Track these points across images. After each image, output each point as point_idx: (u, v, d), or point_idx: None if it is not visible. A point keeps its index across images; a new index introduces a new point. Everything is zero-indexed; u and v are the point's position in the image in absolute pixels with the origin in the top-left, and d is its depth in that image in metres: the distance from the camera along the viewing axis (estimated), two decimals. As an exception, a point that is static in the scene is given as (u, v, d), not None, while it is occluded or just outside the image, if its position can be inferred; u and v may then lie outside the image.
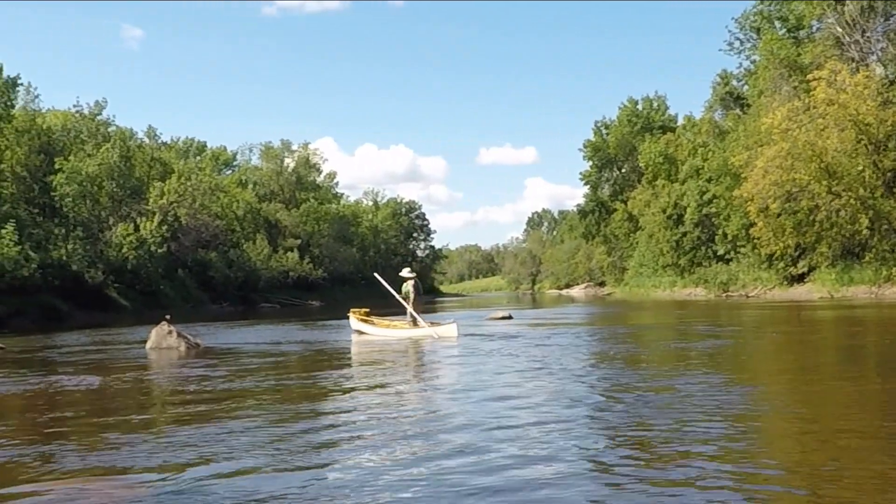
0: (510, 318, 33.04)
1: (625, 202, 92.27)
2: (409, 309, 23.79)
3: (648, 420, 8.59)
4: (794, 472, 6.41)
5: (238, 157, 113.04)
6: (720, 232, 65.50)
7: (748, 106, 64.93)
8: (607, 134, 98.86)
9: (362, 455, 7.33)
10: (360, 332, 24.27)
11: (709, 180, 67.65)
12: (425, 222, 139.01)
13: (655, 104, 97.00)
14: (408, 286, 23.96)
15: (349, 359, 18.24)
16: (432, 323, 23.82)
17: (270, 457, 7.34)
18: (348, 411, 10.02)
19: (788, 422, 8.65)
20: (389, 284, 25.14)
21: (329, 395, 11.78)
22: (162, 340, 20.42)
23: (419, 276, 26.35)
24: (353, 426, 8.87)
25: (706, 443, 7.33)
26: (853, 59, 51.77)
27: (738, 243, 61.93)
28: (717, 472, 6.33)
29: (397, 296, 24.23)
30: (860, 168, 45.84)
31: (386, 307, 28.12)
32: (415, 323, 23.58)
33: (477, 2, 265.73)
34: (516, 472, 6.56)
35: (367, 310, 25.27)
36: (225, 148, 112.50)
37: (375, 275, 25.29)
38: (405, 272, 24.62)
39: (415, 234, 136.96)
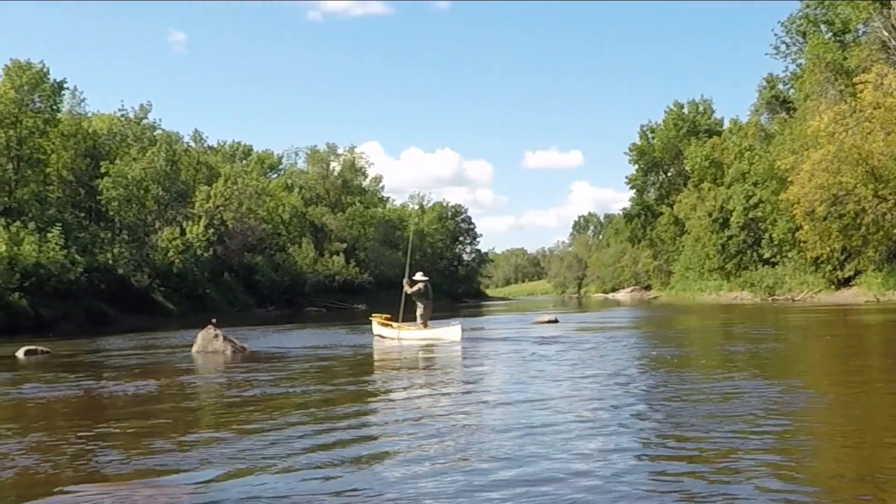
0: (556, 321, 32.86)
1: (671, 206, 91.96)
2: (419, 311, 24.25)
3: (693, 425, 8.49)
4: (835, 489, 6.17)
5: (284, 160, 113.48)
6: (766, 236, 65.19)
7: (794, 109, 64.69)
8: (653, 138, 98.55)
9: (404, 462, 7.24)
10: (381, 337, 24.54)
11: (755, 184, 67.28)
12: (471, 226, 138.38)
13: (701, 108, 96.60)
14: (417, 290, 24.24)
15: (391, 363, 18.09)
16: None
17: (314, 462, 7.26)
18: (391, 417, 9.95)
19: (835, 432, 8.33)
20: (430, 288, 25.24)
21: (373, 400, 11.67)
22: (208, 344, 20.36)
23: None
24: (395, 431, 8.81)
25: (751, 453, 7.17)
26: (900, 62, 51.42)
27: (784, 247, 61.70)
28: (759, 481, 6.21)
29: (411, 293, 24.52)
30: (906, 171, 45.46)
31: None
32: (425, 325, 24.04)
33: (522, 4, 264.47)
34: (559, 477, 6.49)
35: (388, 315, 25.53)
36: (271, 152, 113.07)
37: (404, 281, 24.81)
38: (418, 276, 24.83)
39: (461, 238, 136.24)
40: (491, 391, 12.09)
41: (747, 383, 11.55)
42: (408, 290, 24.43)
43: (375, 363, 18.46)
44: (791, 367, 15.01)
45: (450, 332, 22.57)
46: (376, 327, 25.26)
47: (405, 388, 12.87)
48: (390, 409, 10.62)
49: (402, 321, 24.61)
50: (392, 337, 23.87)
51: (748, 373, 12.98)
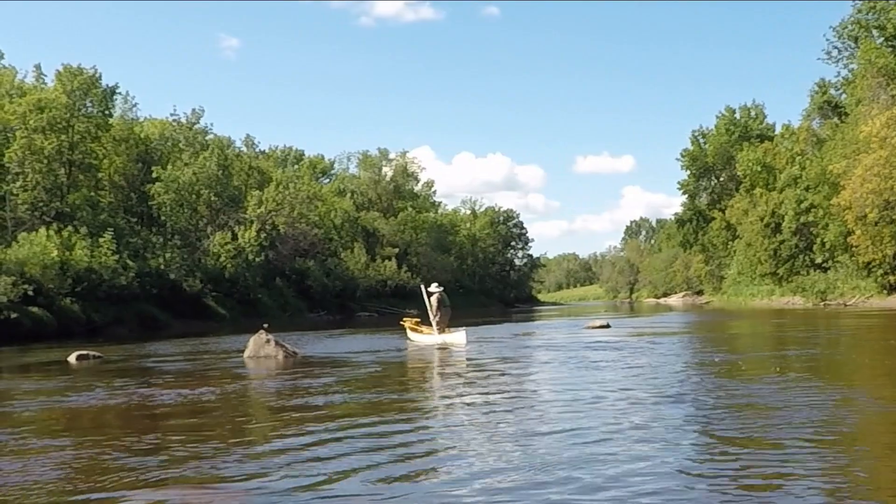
0: (608, 326, 32.86)
1: (722, 211, 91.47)
2: (431, 317, 25.71)
3: (747, 435, 8.42)
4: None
5: (336, 165, 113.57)
6: (818, 241, 65.13)
7: (846, 114, 64.43)
8: (705, 143, 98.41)
9: (458, 468, 7.21)
10: (410, 340, 26.36)
11: (807, 189, 67.02)
12: (523, 231, 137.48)
13: (753, 113, 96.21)
14: (433, 299, 25.71)
15: (444, 367, 18.19)
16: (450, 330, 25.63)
17: (369, 469, 7.26)
18: (444, 423, 9.93)
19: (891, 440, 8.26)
20: (446, 297, 26.60)
21: (425, 406, 11.70)
22: (260, 349, 20.42)
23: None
24: (448, 437, 8.79)
25: (804, 462, 7.13)
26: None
27: (836, 252, 61.66)
28: (809, 488, 6.24)
29: (427, 304, 26.09)
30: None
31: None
32: (441, 330, 25.36)
33: (572, 8, 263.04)
34: (612, 484, 6.51)
35: (418, 320, 27.32)
36: (322, 156, 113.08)
37: (422, 286, 27.10)
38: (433, 287, 26.25)
39: (512, 243, 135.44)
40: (545, 397, 12.00)
41: (804, 390, 11.47)
42: (427, 300, 26.03)
43: (424, 368, 18.46)
44: (847, 374, 14.84)
45: (457, 337, 24.20)
46: (408, 331, 27.10)
47: (459, 395, 12.67)
48: (445, 415, 10.63)
49: (437, 325, 25.74)
50: (417, 340, 25.80)
51: (804, 379, 12.91)
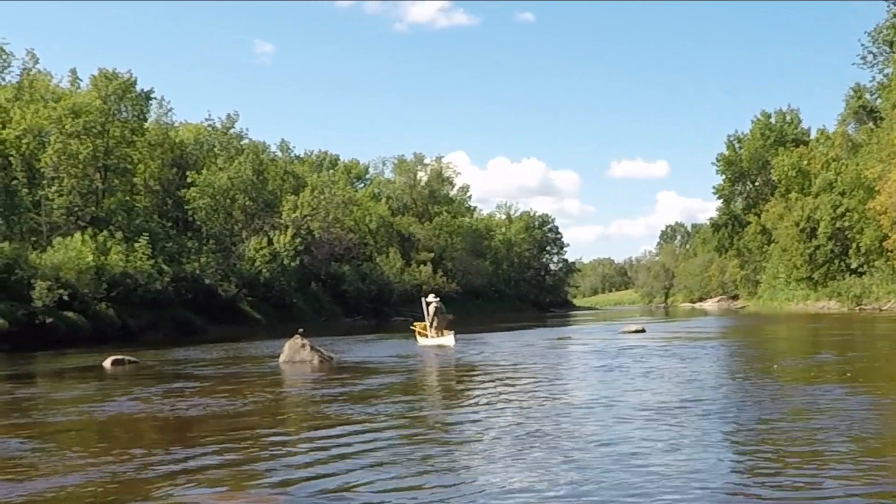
0: (643, 331, 32.78)
1: (758, 215, 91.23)
2: (427, 323, 28.65)
3: (785, 440, 8.33)
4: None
5: (371, 170, 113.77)
6: (853, 245, 64.89)
7: (881, 119, 63.88)
8: (740, 147, 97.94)
9: (490, 481, 7.07)
10: (417, 342, 28.67)
11: (842, 194, 66.79)
12: (558, 236, 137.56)
13: (788, 118, 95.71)
14: (431, 308, 28.76)
15: (478, 373, 17.89)
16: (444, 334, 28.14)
17: (408, 476, 7.20)
18: (476, 431, 9.70)
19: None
20: (442, 305, 29.71)
21: (458, 414, 11.43)
22: (295, 354, 20.40)
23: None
24: (481, 447, 8.64)
25: (840, 461, 7.16)
26: None
27: (872, 256, 61.50)
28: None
29: (425, 312, 29.22)
30: None
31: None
32: (437, 335, 28.07)
33: (606, 14, 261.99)
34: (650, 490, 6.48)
35: (426, 324, 29.13)
36: (357, 161, 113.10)
37: (421, 298, 30.97)
38: (431, 297, 29.70)
39: (548, 248, 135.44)
40: (579, 404, 11.69)
41: (844, 395, 11.30)
42: (424, 308, 29.32)
43: (455, 374, 18.34)
44: (888, 380, 14.57)
45: (448, 340, 26.95)
46: (416, 335, 29.50)
47: (492, 403, 12.34)
48: (478, 423, 10.36)
49: (435, 331, 28.61)
50: (421, 343, 28.32)
51: (843, 384, 12.71)
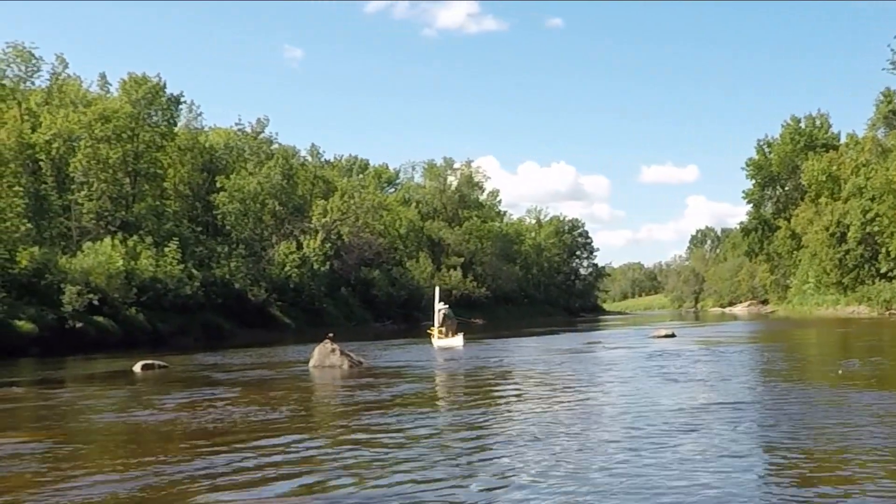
0: (673, 336, 33.09)
1: (788, 220, 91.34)
2: (436, 327, 32.02)
3: (811, 442, 8.44)
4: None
5: (401, 174, 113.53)
6: (883, 250, 65.16)
7: None
8: (770, 152, 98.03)
9: (519, 488, 7.04)
10: (432, 344, 31.09)
11: (872, 199, 66.70)
12: (588, 240, 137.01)
13: (818, 122, 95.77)
14: (440, 314, 32.41)
15: (506, 378, 18.05)
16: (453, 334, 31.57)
17: (440, 484, 7.16)
18: (507, 437, 9.67)
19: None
20: (451, 311, 33.54)
21: (487, 419, 11.34)
22: (325, 359, 20.58)
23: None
24: (511, 454, 8.57)
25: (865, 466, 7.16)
26: None
27: None
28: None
29: (435, 317, 32.65)
30: None
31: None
32: (447, 337, 31.50)
33: (636, 19, 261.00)
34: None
35: (442, 329, 31.97)
36: (387, 166, 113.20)
37: (435, 306, 33.39)
38: (441, 305, 32.92)
39: (578, 253, 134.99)
40: (609, 411, 11.75)
41: (875, 401, 11.25)
42: (435, 314, 32.72)
43: (485, 379, 18.18)
44: None
45: (457, 341, 30.60)
46: (432, 338, 32.05)
47: (522, 410, 12.34)
48: (508, 429, 10.31)
49: (445, 333, 31.82)
50: (435, 344, 30.88)
51: (875, 390, 12.72)
